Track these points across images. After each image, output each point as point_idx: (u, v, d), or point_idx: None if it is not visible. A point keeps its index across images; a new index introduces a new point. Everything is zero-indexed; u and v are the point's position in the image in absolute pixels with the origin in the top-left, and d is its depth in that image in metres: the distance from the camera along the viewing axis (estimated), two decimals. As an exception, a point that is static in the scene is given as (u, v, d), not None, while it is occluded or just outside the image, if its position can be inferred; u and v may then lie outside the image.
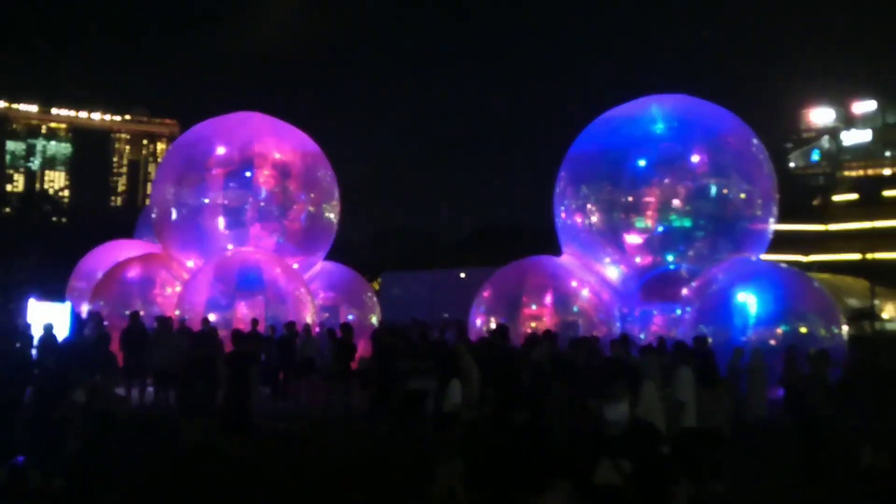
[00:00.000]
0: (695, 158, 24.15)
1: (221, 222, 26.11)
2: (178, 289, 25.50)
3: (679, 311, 23.08)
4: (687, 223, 23.90)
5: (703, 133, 24.51)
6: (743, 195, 24.33)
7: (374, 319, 27.33)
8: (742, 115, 25.65)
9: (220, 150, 26.79)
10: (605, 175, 24.47)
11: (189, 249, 26.62)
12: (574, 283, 24.52)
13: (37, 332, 18.43)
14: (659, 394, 11.45)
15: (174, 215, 26.70)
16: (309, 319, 23.32)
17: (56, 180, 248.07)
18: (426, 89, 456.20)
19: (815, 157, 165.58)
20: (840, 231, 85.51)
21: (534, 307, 24.05)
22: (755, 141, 25.12)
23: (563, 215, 25.72)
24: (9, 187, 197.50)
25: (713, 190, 24.13)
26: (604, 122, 25.66)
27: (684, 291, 23.30)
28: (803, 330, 21.39)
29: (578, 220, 25.09)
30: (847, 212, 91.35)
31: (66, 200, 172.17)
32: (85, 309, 25.74)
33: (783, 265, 26.47)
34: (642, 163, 24.14)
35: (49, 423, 12.75)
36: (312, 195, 27.31)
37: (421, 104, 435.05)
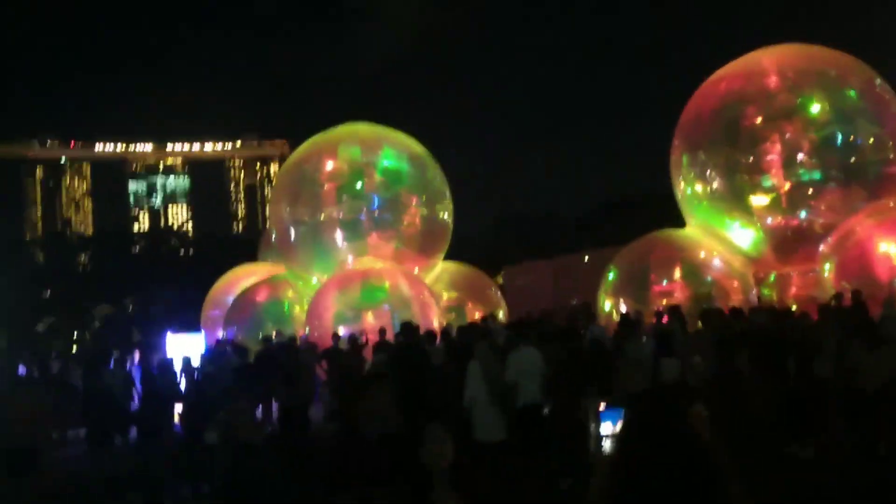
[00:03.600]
0: (814, 107, 22.92)
1: (339, 236, 26.35)
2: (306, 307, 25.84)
3: (817, 270, 22.01)
4: (816, 176, 22.67)
5: (820, 79, 23.22)
6: (871, 139, 22.93)
7: (501, 315, 27.04)
8: (863, 55, 24.18)
9: (329, 165, 27.04)
10: (721, 137, 23.48)
11: (311, 266, 27.00)
12: (703, 254, 23.64)
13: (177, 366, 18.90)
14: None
15: (293, 235, 27.13)
16: (436, 323, 23.17)
17: (178, 214, 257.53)
18: (526, 66, 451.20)
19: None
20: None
21: (664, 283, 23.28)
22: (878, 81, 23.60)
23: (681, 184, 24.80)
24: (135, 226, 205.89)
25: (839, 138, 22.82)
26: (713, 83, 24.58)
27: (821, 248, 22.17)
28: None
29: (699, 187, 24.17)
30: None
31: (190, 233, 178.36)
32: (220, 336, 26.41)
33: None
34: (759, 120, 23.06)
35: (198, 454, 13.08)
36: (424, 197, 27.26)
37: (523, 82, 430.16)
